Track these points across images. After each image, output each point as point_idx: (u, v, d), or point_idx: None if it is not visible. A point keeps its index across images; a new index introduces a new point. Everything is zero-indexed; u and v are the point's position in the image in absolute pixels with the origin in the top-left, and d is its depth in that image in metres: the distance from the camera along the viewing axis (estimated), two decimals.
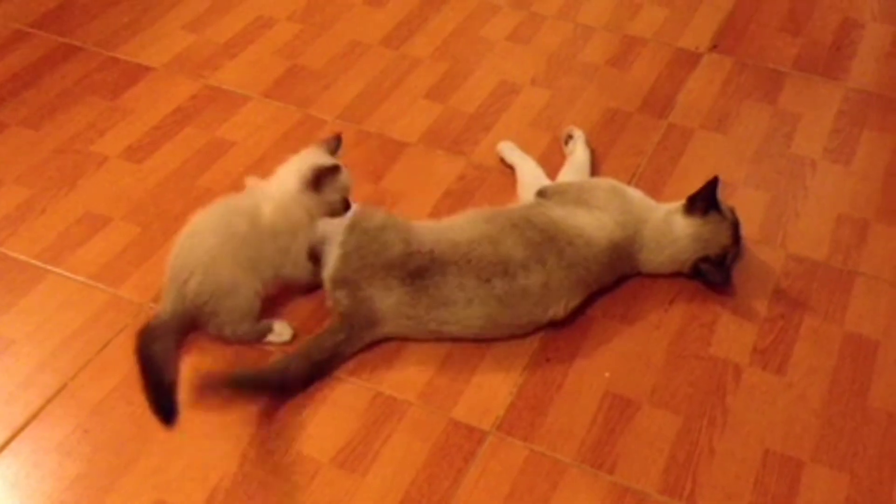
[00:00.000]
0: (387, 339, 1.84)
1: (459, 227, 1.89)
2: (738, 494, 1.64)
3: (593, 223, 1.88)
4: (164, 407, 1.65)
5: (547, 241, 1.84)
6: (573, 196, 1.96)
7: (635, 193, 2.02)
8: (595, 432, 1.73)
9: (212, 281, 1.75)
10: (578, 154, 2.22)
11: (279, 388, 1.76)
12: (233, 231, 1.77)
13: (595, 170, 2.23)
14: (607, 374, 1.83)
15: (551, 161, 2.24)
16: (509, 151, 2.25)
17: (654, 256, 1.95)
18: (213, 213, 1.83)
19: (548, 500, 1.62)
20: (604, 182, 2.07)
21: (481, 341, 1.86)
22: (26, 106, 2.39)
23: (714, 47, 2.68)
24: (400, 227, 1.86)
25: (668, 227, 1.94)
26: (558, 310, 1.85)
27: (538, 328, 1.87)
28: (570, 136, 2.29)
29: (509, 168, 2.23)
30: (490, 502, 1.62)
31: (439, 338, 1.85)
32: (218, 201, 1.85)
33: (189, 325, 1.78)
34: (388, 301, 1.79)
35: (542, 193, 2.02)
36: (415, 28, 2.71)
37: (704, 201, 1.94)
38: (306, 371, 1.77)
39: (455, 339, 1.85)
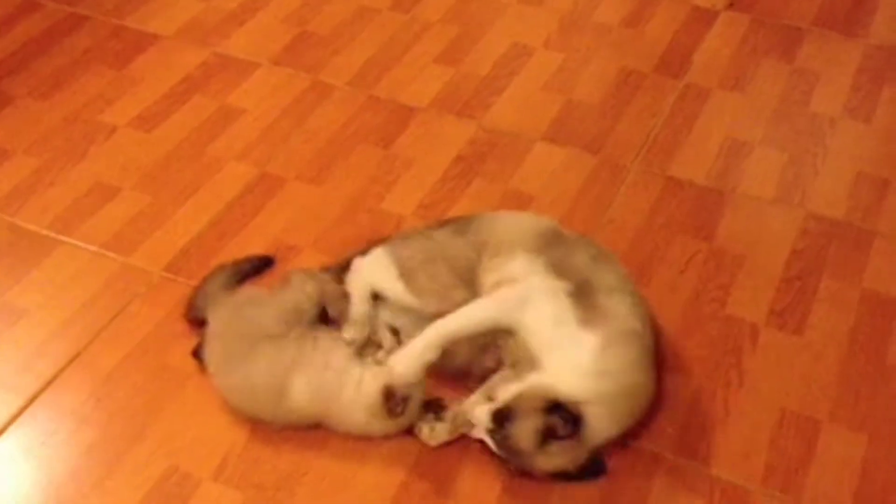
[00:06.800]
0: None
1: None
2: (754, 454, 1.63)
3: None
4: None
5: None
6: None
7: None
8: None
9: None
10: None
11: None
12: None
13: (608, 135, 2.20)
14: None
15: (566, 125, 2.22)
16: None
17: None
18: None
19: None
20: None
21: None
22: (35, 76, 2.38)
23: (731, 5, 2.63)
24: None
25: None
26: None
27: None
28: None
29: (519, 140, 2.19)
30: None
31: None
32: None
33: None
34: None
35: None
36: None
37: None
38: None
39: None
